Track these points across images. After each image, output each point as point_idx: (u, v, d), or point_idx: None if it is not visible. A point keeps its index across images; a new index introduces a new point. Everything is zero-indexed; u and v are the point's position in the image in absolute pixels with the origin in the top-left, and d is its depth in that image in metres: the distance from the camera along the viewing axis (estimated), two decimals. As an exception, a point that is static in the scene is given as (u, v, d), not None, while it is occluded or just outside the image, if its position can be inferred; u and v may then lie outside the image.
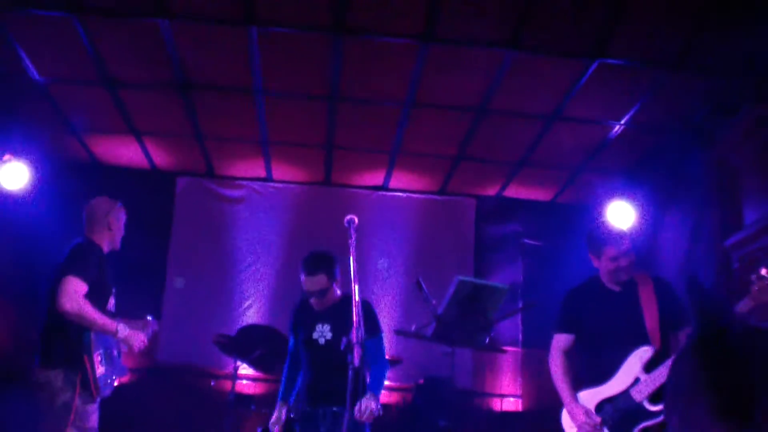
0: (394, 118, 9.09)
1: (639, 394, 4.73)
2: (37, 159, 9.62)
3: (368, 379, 5.58)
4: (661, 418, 4.64)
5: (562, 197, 11.15)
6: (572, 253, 10.59)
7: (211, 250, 10.88)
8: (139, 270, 10.30)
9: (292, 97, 8.83)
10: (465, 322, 4.88)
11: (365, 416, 5.25)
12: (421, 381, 9.40)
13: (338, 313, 5.70)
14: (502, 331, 10.70)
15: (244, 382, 10.19)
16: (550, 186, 10.92)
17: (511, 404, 10.80)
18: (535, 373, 10.67)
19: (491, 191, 11.20)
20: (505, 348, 10.59)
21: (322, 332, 5.74)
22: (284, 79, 8.43)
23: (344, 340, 4.38)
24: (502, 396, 10.84)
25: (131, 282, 9.86)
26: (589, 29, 7.22)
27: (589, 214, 10.60)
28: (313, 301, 5.77)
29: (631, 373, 4.80)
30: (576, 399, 5.03)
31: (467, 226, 11.34)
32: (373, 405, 5.28)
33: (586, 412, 4.92)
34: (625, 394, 4.79)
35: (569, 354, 5.26)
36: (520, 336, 10.90)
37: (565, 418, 5.10)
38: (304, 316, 5.93)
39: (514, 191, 11.11)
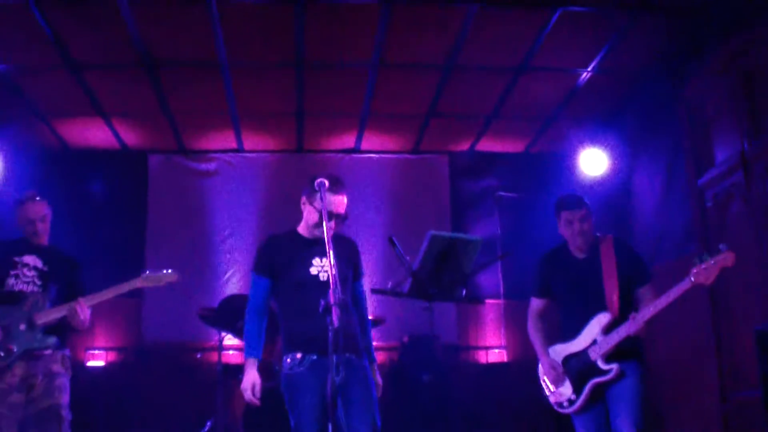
0: (362, 81, 9.07)
1: (595, 354, 5.32)
2: (7, 148, 9.60)
3: (359, 328, 5.13)
4: (609, 375, 5.26)
5: (535, 147, 11.16)
6: (548, 202, 10.61)
7: (188, 225, 10.88)
8: (118, 250, 10.31)
9: (259, 66, 8.80)
10: (440, 277, 4.92)
11: (378, 392, 5.03)
12: (406, 339, 9.47)
13: (334, 247, 4.74)
14: (483, 283, 10.77)
15: (231, 352, 10.22)
16: (522, 137, 10.94)
17: (496, 356, 10.89)
18: (517, 323, 10.72)
19: (464, 146, 11.21)
20: (487, 300, 10.67)
21: (323, 267, 4.97)
22: (249, 50, 8.39)
23: (322, 302, 4.23)
24: (487, 348, 10.93)
25: (110, 263, 9.91)
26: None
27: (562, 162, 10.65)
28: (324, 227, 4.68)
29: (591, 334, 5.38)
30: (546, 352, 5.64)
31: (442, 182, 11.37)
32: (379, 380, 5.12)
33: (552, 363, 5.56)
34: (584, 352, 5.39)
35: (544, 314, 5.84)
36: (502, 288, 10.95)
37: (540, 369, 5.72)
38: (289, 250, 5.05)
39: (486, 145, 11.12)
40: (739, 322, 7.44)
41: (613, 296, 5.35)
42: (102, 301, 5.76)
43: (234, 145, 10.98)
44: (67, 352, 5.85)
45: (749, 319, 7.02)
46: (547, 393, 5.63)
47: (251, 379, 4.88)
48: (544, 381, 5.66)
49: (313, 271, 4.98)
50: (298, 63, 8.63)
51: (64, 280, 5.86)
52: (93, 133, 10.39)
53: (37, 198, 5.96)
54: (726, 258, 4.94)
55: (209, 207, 10.97)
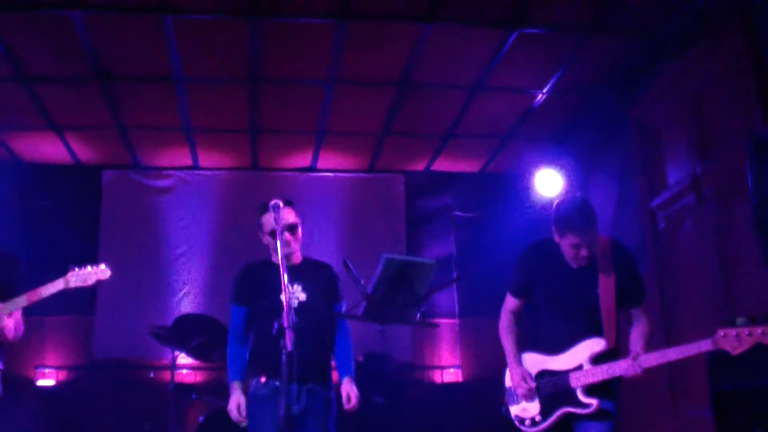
0: (318, 98, 9.06)
1: (576, 381, 4.75)
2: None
3: (336, 352, 5.34)
4: (587, 410, 4.71)
5: (490, 167, 11.21)
6: (503, 222, 10.75)
7: (142, 242, 10.77)
8: (70, 266, 10.15)
9: (213, 82, 8.75)
10: (395, 300, 4.87)
11: (352, 404, 5.12)
12: (361, 358, 9.43)
13: (308, 272, 5.25)
14: (438, 303, 10.77)
15: (184, 371, 10.13)
16: (478, 157, 10.98)
17: (452, 375, 10.88)
18: (472, 342, 10.78)
19: (420, 166, 11.23)
20: (441, 320, 10.66)
21: (293, 293, 5.13)
22: (204, 65, 8.34)
23: (275, 324, 4.26)
24: (442, 368, 10.91)
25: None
26: (506, -1, 7.29)
27: (518, 182, 10.70)
28: (279, 248, 4.72)
29: (577, 358, 4.80)
30: (518, 359, 5.05)
31: (398, 202, 11.37)
32: (355, 391, 5.17)
33: (524, 375, 4.95)
34: (565, 375, 4.81)
35: (518, 314, 5.20)
36: (457, 307, 10.98)
37: (508, 375, 5.12)
38: (261, 277, 5.21)
39: (442, 164, 11.15)
40: (689, 341, 7.48)
41: (611, 321, 4.79)
42: (28, 306, 5.18)
43: (189, 161, 10.91)
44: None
45: (699, 338, 7.07)
46: (508, 402, 5.06)
47: (236, 400, 5.08)
48: (510, 390, 5.06)
49: (283, 297, 4.87)
50: (253, 79, 8.60)
51: None
52: (45, 147, 10.26)
53: None
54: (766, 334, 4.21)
55: (163, 224, 10.87)
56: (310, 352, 4.86)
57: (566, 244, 4.83)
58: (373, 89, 8.94)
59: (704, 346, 4.41)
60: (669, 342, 7.86)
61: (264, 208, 5.19)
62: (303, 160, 10.97)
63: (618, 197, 9.16)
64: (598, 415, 4.72)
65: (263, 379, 5.07)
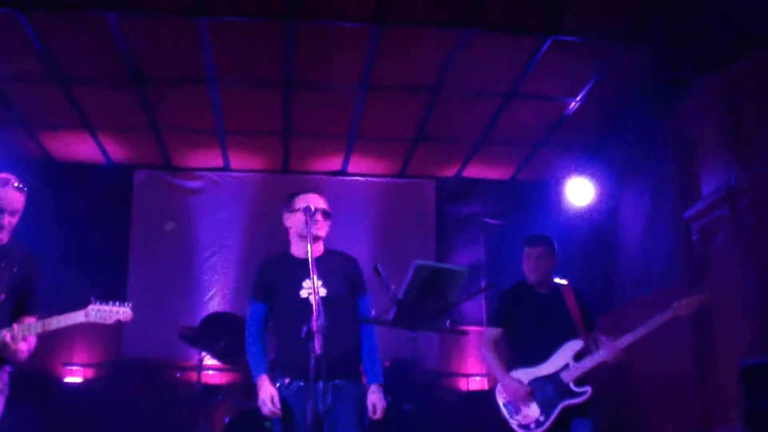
0: (350, 102, 9.06)
1: (567, 376, 5.49)
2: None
3: (363, 353, 5.06)
4: (582, 398, 5.44)
5: (521, 175, 11.16)
6: (533, 230, 10.65)
7: (172, 242, 10.82)
8: (101, 265, 10.22)
9: (247, 85, 8.79)
10: (425, 306, 4.83)
11: (378, 416, 4.87)
12: (387, 364, 9.38)
13: (328, 265, 4.95)
14: (466, 311, 10.70)
15: (210, 372, 10.13)
16: (509, 164, 10.93)
17: (478, 383, 10.83)
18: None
19: (451, 172, 11.20)
20: (470, 328, 10.59)
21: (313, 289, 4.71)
22: (238, 68, 8.38)
23: (304, 328, 4.15)
24: (469, 375, 10.89)
25: (93, 277, 9.85)
26: (542, 6, 7.26)
27: (549, 190, 10.65)
28: (309, 248, 4.62)
29: (562, 359, 5.55)
30: (507, 374, 5.68)
31: (428, 207, 11.36)
32: (383, 401, 4.91)
33: (519, 382, 5.58)
34: (556, 375, 5.53)
35: (498, 344, 5.92)
36: (485, 315, 10.91)
37: (499, 393, 5.74)
38: (281, 272, 4.93)
39: (473, 171, 11.11)
40: (722, 355, 7.41)
41: (581, 327, 5.63)
42: (42, 333, 4.76)
43: (220, 163, 10.94)
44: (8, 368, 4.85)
45: (733, 352, 7.00)
46: (508, 416, 5.63)
47: (268, 391, 4.76)
48: (507, 404, 5.66)
49: (303, 294, 4.87)
50: (287, 82, 8.61)
51: (18, 288, 4.82)
52: (78, 147, 10.33)
53: (16, 184, 4.83)
54: (705, 297, 5.56)
55: (194, 225, 10.91)
56: (334, 349, 4.57)
57: (526, 257, 5.85)
58: (406, 94, 8.93)
59: (666, 316, 5.39)
60: (701, 358, 7.81)
61: (297, 194, 5.26)
62: (334, 163, 10.97)
63: (651, 207, 9.08)
64: (586, 408, 5.46)
65: (287, 381, 4.81)
